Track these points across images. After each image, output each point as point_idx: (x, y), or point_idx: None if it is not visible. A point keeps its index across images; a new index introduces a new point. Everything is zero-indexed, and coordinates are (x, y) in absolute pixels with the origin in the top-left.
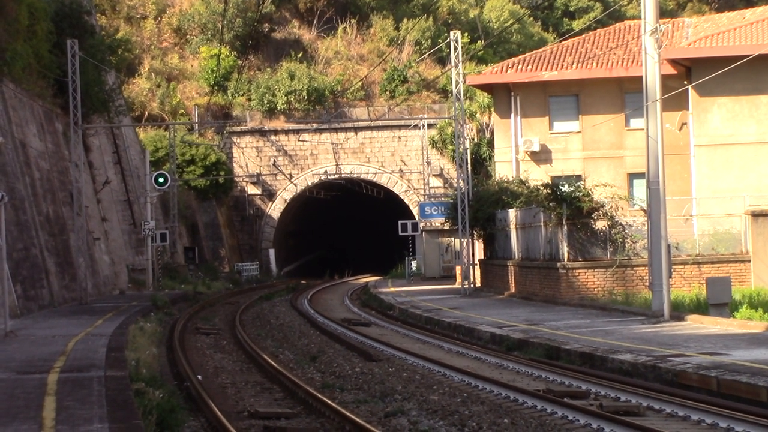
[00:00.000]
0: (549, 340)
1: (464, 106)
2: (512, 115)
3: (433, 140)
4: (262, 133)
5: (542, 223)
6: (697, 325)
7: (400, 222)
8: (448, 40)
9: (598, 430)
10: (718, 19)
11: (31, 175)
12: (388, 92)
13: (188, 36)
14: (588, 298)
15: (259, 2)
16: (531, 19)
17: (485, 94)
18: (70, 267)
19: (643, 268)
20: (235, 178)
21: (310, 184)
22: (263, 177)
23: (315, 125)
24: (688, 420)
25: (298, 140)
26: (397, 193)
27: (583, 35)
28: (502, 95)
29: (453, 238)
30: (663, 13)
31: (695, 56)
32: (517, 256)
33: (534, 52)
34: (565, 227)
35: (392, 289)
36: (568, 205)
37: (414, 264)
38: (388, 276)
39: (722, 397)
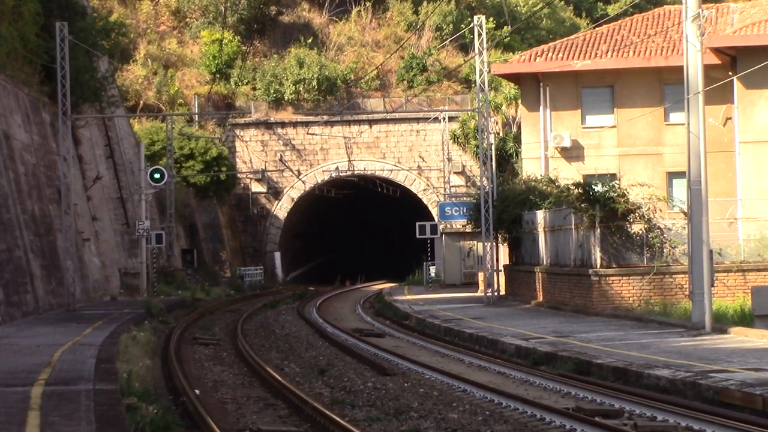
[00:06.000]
0: (579, 353)
1: (489, 97)
2: (541, 107)
3: (455, 135)
4: (267, 125)
5: (573, 226)
6: (741, 338)
7: (417, 224)
8: (471, 25)
9: None
10: (767, 4)
11: (15, 170)
12: (405, 82)
13: (188, 19)
14: (622, 308)
15: None
16: (562, 3)
17: (512, 84)
18: (57, 270)
19: (683, 275)
20: (238, 175)
21: (319, 181)
22: (269, 173)
23: (326, 117)
24: None
25: (307, 133)
26: (415, 191)
27: (619, 21)
28: (530, 86)
29: (475, 242)
30: None
31: (741, 44)
32: (545, 262)
33: (565, 39)
34: (598, 230)
35: (408, 297)
36: (602, 206)
37: (432, 270)
38: (404, 282)
39: None
